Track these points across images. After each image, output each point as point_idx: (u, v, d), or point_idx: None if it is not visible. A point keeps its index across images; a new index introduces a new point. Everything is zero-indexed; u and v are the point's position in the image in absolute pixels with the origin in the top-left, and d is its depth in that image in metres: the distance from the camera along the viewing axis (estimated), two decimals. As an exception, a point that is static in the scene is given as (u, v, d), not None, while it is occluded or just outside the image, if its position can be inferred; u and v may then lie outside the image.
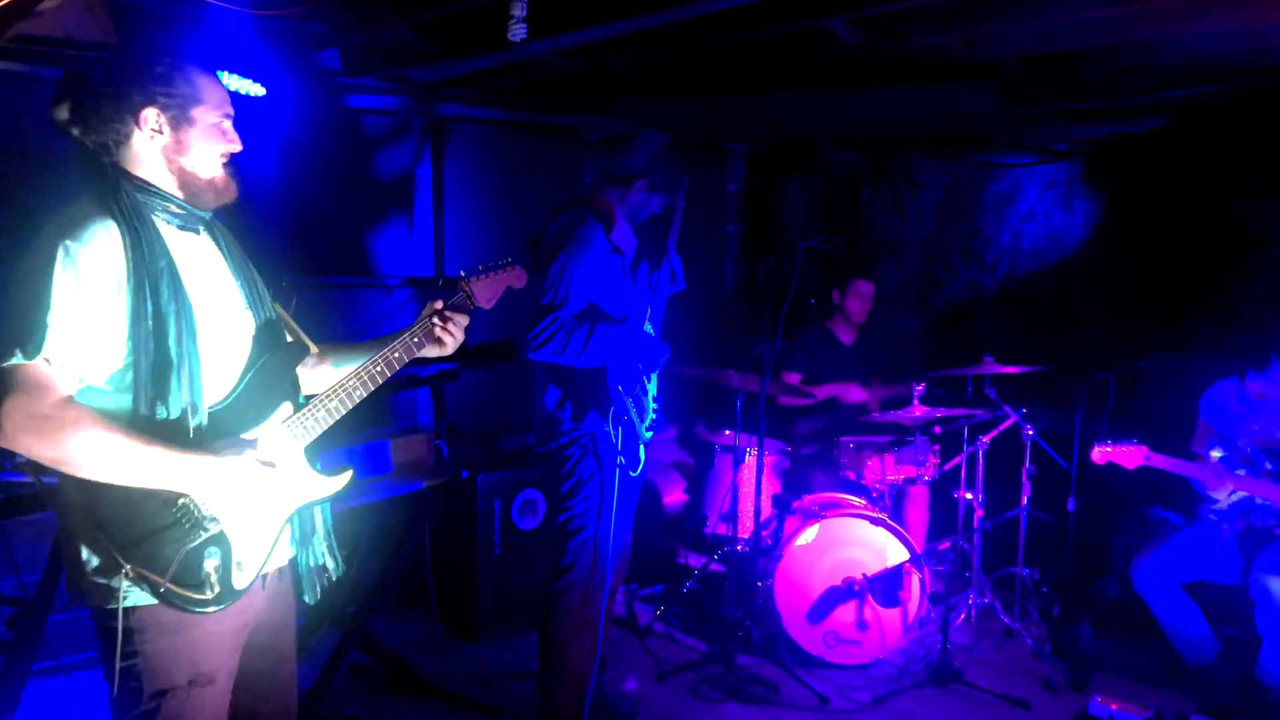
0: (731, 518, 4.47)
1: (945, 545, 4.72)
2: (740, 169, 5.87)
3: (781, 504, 4.56)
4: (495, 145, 5.05)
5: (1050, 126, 5.75)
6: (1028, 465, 4.35)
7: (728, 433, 4.62)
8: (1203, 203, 6.84)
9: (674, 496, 5.29)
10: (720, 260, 5.82)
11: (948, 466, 4.52)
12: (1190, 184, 6.38)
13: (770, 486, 4.59)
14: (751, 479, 4.49)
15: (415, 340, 2.22)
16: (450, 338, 2.26)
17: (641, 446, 3.31)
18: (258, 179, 2.37)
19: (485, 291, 2.36)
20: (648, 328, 3.36)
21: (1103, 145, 6.74)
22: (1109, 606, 4.68)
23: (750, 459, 4.50)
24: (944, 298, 7.00)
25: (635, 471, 3.29)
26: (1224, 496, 3.95)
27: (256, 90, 3.74)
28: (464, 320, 2.28)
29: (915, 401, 4.35)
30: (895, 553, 4.14)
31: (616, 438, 3.18)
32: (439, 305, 2.26)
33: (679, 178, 3.40)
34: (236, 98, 2.12)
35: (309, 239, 4.45)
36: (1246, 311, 6.15)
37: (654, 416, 3.43)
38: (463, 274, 2.35)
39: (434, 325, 2.24)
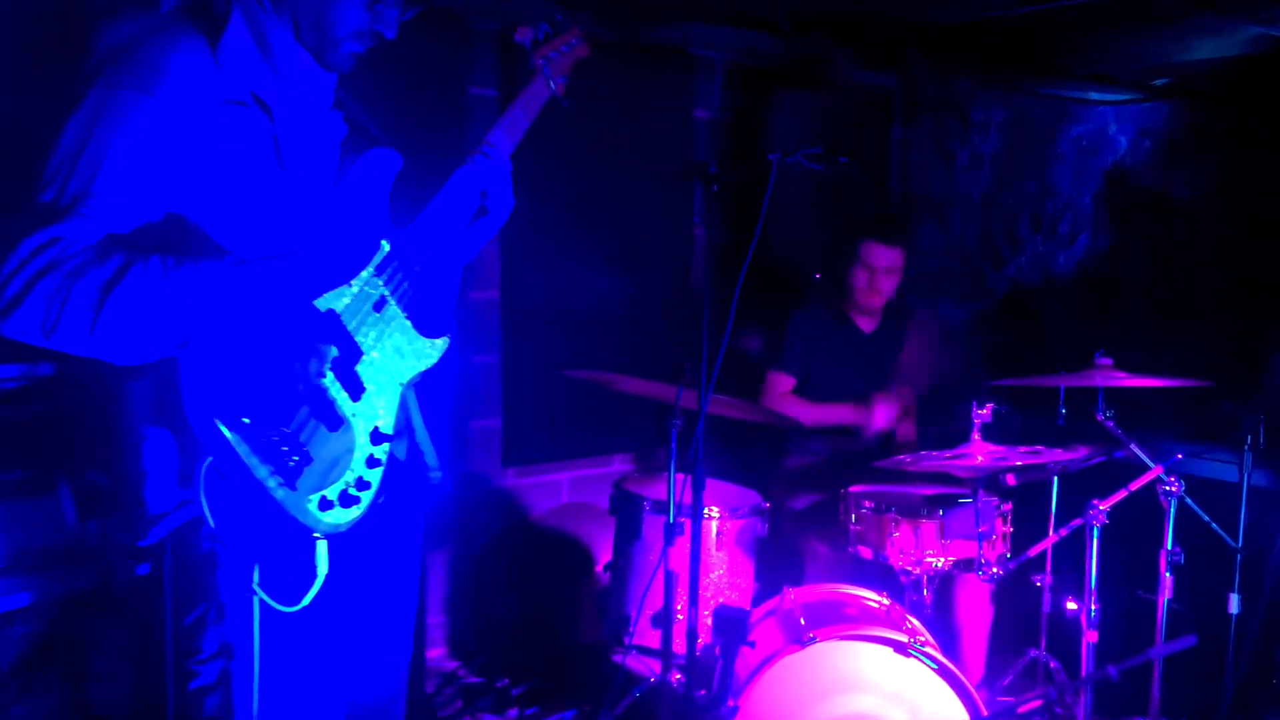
0: (666, 623, 2.67)
1: (1019, 671, 2.91)
2: (716, 88, 4.10)
3: (749, 603, 2.79)
4: None
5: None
6: (1170, 546, 2.54)
7: (662, 481, 2.83)
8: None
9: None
10: (683, 221, 4.06)
11: (1032, 552, 2.68)
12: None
13: (734, 567, 2.81)
14: (705, 553, 2.73)
15: None
16: None
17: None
18: None
19: None
20: (369, 282, 1.63)
21: (1217, 79, 4.90)
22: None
23: (710, 523, 2.74)
24: (1006, 279, 5.19)
25: (298, 604, 1.52)
26: None
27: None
28: None
29: (976, 434, 2.54)
30: (937, 704, 2.34)
31: (229, 528, 1.44)
32: None
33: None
34: None
35: None
36: None
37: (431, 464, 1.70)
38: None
39: None
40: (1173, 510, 2.49)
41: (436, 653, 3.70)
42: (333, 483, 1.55)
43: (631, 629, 2.80)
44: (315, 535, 1.53)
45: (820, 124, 4.16)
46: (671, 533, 2.52)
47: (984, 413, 2.49)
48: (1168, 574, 2.52)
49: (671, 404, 2.55)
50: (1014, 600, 3.13)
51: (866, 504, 2.80)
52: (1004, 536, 2.78)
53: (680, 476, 2.53)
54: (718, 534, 2.80)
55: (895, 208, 4.58)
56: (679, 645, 2.56)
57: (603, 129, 3.75)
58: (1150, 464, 2.46)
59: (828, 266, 3.57)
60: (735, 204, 4.18)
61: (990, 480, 2.70)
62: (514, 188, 1.90)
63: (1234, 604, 2.70)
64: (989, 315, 5.11)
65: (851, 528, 2.82)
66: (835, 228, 3.83)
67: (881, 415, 3.20)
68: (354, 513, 1.57)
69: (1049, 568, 2.90)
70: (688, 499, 2.41)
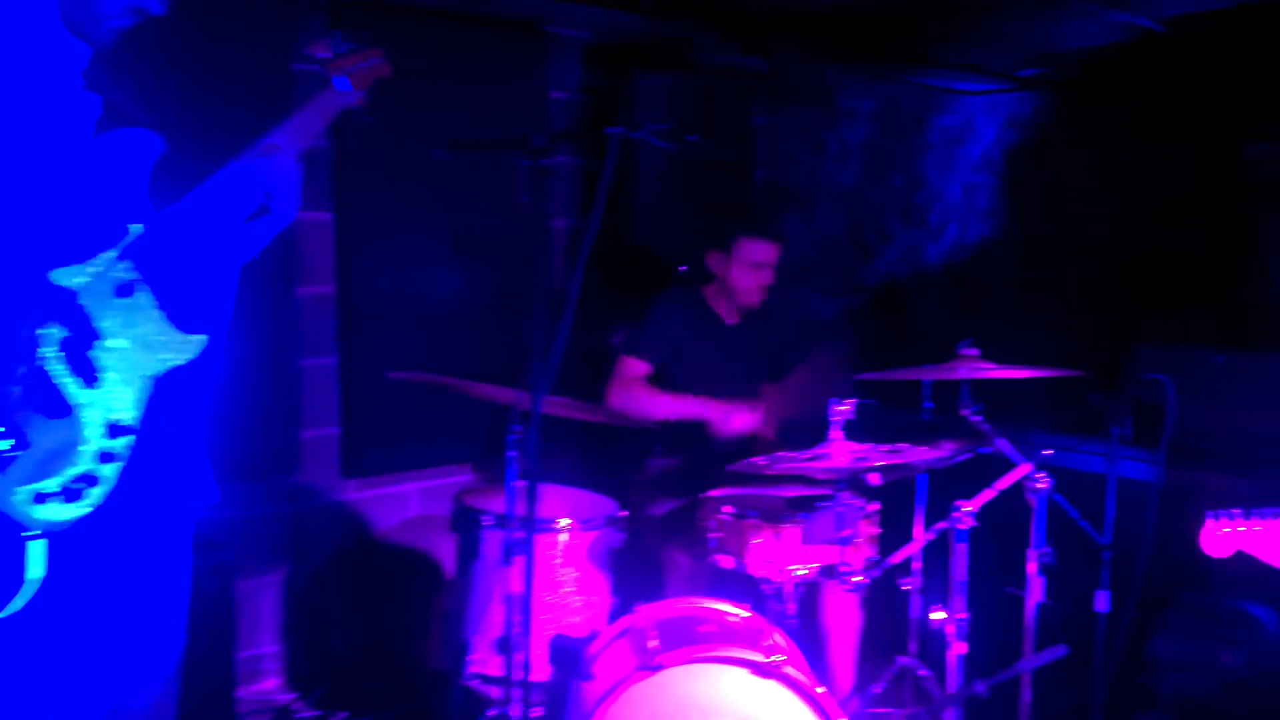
0: (507, 649, 2.41)
1: (889, 679, 2.75)
2: (575, 69, 3.86)
3: (606, 619, 2.55)
4: None
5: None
6: (1039, 545, 2.41)
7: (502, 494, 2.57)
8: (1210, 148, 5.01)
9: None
10: (540, 210, 3.79)
11: (896, 558, 2.52)
12: (1190, 124, 5.05)
13: (586, 583, 2.57)
14: (552, 569, 2.49)
15: None
16: None
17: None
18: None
19: None
20: (113, 264, 1.43)
21: (1085, 69, 4.91)
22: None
23: (558, 537, 2.50)
24: (876, 272, 5.09)
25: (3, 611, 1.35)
26: None
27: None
28: None
29: (836, 432, 2.35)
30: (800, 727, 2.14)
31: None
32: None
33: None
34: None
35: None
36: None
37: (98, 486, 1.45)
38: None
39: None
40: (1040, 506, 2.35)
41: (270, 684, 3.35)
42: (53, 475, 1.39)
43: (471, 656, 2.54)
44: (27, 534, 1.36)
45: (684, 107, 3.95)
46: (510, 550, 2.27)
47: (845, 409, 2.30)
48: (1039, 574, 2.39)
49: (510, 408, 2.30)
50: (885, 604, 2.98)
51: (726, 509, 2.59)
52: (871, 539, 2.62)
53: (522, 486, 2.28)
54: (568, 548, 2.56)
55: (761, 197, 4.42)
56: (521, 672, 2.31)
57: (452, 112, 3.46)
58: (1017, 460, 2.32)
59: (693, 259, 3.37)
60: (594, 190, 3.96)
61: (854, 481, 2.53)
62: (354, 177, 1.73)
63: (1103, 601, 2.59)
64: (859, 311, 5.01)
65: (710, 535, 2.61)
66: (703, 219, 3.64)
67: (740, 415, 3.00)
68: (77, 509, 1.42)
69: (918, 570, 2.74)
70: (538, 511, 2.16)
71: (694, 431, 3.05)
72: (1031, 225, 5.56)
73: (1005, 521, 2.61)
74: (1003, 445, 2.34)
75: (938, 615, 2.25)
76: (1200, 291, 5.07)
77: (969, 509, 2.18)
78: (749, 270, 3.14)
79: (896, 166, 5.07)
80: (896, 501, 2.86)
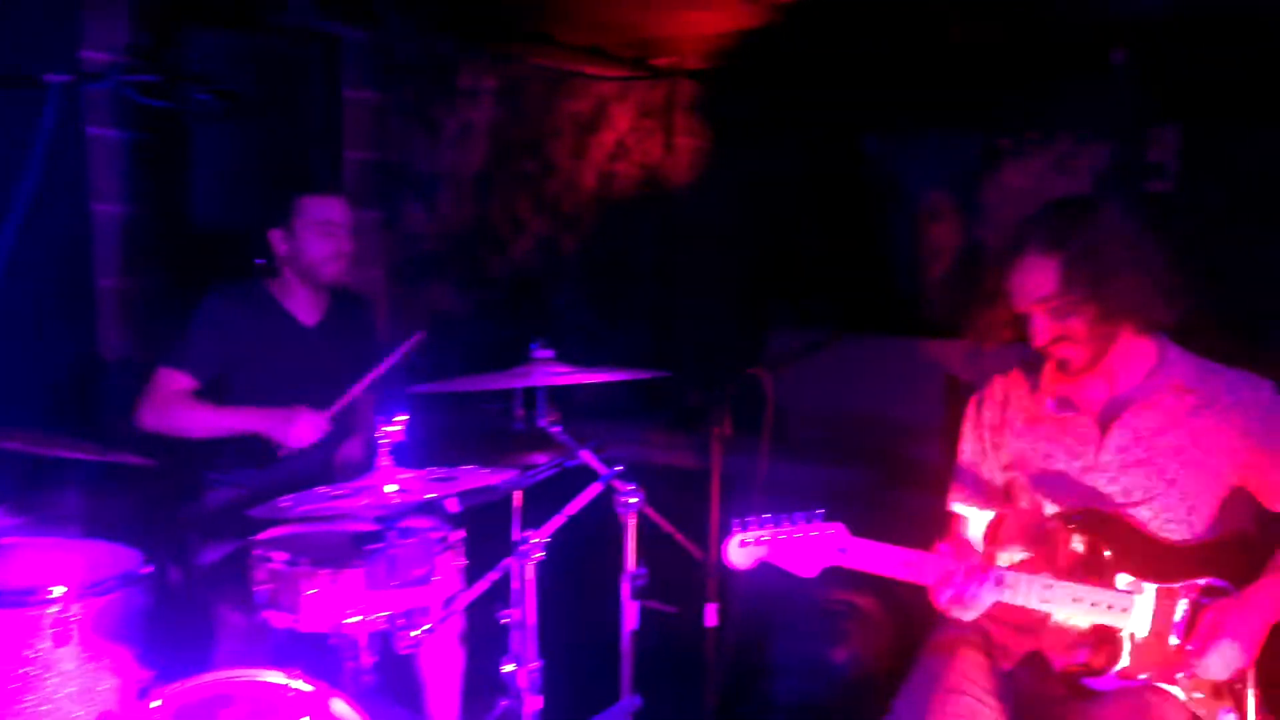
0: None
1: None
2: (122, 23, 3.19)
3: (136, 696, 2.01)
4: None
5: None
6: (633, 565, 2.16)
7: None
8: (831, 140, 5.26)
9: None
10: (79, 199, 3.10)
11: (461, 603, 2.15)
12: (813, 116, 5.12)
13: (92, 664, 2.01)
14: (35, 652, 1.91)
15: None
16: None
17: None
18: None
19: None
20: None
21: (718, 56, 4.90)
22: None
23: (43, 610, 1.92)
24: (511, 264, 4.80)
25: None
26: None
27: None
28: None
29: (380, 455, 1.95)
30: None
31: None
32: None
33: None
34: None
35: None
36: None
37: None
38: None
39: None
40: (630, 522, 2.11)
41: None
42: None
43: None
44: None
45: (248, 71, 3.39)
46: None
47: (395, 429, 1.92)
48: (629, 598, 2.14)
49: None
50: (492, 636, 2.66)
51: (277, 555, 2.13)
52: (458, 571, 2.26)
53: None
54: (61, 621, 1.99)
55: (317, 165, 3.85)
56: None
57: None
58: (602, 472, 2.06)
59: (266, 249, 2.85)
60: (150, 166, 3.32)
61: (432, 508, 2.16)
62: None
63: (711, 615, 2.41)
64: (494, 305, 4.69)
65: (258, 588, 2.14)
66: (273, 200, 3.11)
67: (305, 426, 2.53)
68: None
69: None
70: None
71: (255, 451, 2.54)
72: (667, 216, 5.53)
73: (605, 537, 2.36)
74: (586, 457, 2.07)
75: (508, 668, 1.93)
76: (826, 283, 5.24)
77: (537, 539, 1.88)
78: (319, 235, 2.65)
79: (526, 152, 4.79)
80: (499, 521, 2.54)
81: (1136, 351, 1.91)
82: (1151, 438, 1.87)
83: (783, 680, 2.84)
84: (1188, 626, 1.77)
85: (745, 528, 1.82)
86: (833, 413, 3.95)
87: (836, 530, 1.84)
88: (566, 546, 2.71)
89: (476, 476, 2.00)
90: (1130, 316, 1.85)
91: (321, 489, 1.95)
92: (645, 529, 2.40)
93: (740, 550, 1.81)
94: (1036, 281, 1.82)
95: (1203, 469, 1.85)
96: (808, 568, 1.83)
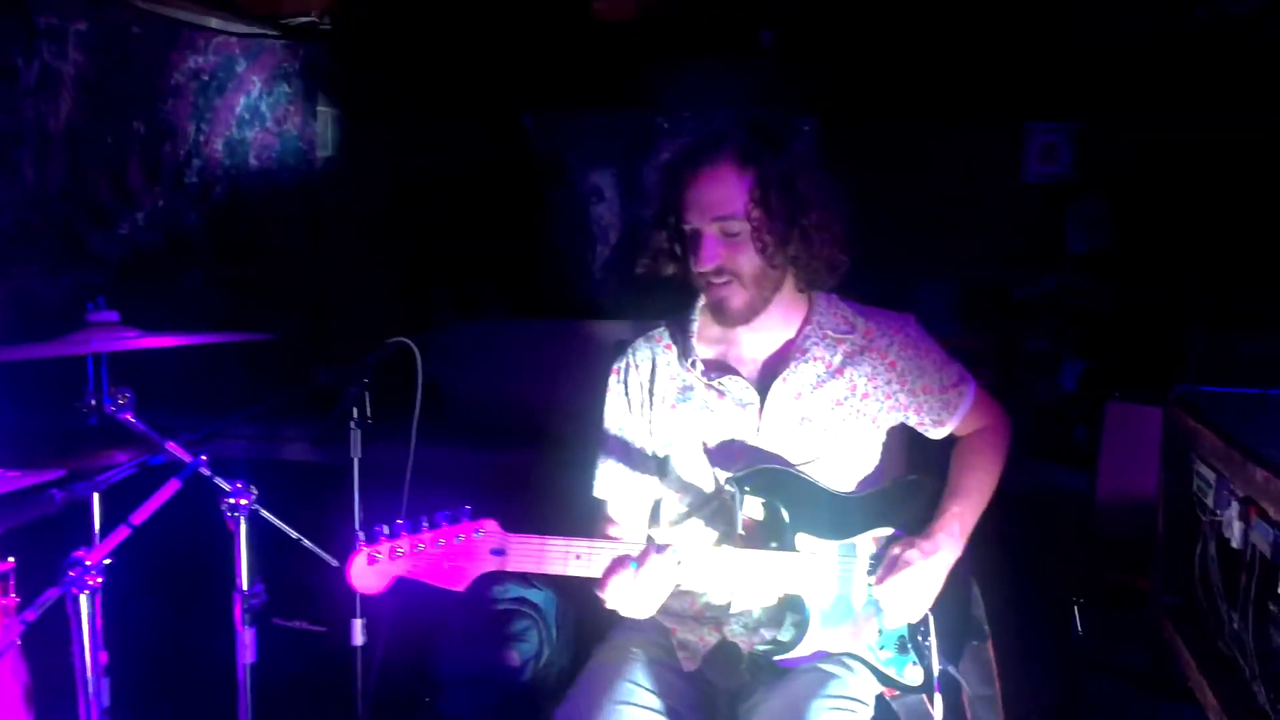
0: None
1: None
2: None
3: None
4: None
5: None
6: (245, 583, 1.74)
7: None
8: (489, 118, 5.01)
9: None
10: None
11: (17, 631, 1.64)
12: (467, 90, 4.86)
13: None
14: None
15: None
16: None
17: None
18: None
19: None
20: None
21: (353, 19, 4.48)
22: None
23: None
24: (120, 240, 4.07)
25: None
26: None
27: None
28: None
29: None
30: None
31: None
32: None
33: None
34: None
35: None
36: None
37: None
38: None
39: None
40: (242, 533, 1.68)
41: None
42: None
43: None
44: None
45: None
46: None
47: None
48: (249, 625, 1.72)
49: None
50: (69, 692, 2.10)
51: None
52: (5, 612, 1.72)
53: None
54: None
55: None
56: None
57: None
58: (187, 463, 1.61)
59: None
60: None
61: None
62: None
63: (357, 633, 2.04)
64: (96, 290, 3.95)
65: None
66: None
67: None
68: None
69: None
70: None
71: None
72: (319, 196, 5.00)
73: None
74: (174, 449, 1.62)
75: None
76: (498, 265, 4.97)
77: (91, 562, 1.42)
78: None
79: (133, 109, 4.08)
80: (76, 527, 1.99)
81: (793, 308, 1.78)
82: (812, 392, 1.75)
83: (451, 694, 2.51)
84: (871, 579, 1.67)
85: (373, 540, 1.47)
86: (499, 398, 3.68)
87: (488, 529, 1.52)
88: (174, 565, 2.25)
89: (5, 481, 1.49)
90: (803, 262, 1.70)
91: None
92: (274, 537, 2.00)
93: (369, 570, 1.46)
94: (722, 195, 1.63)
95: (865, 415, 1.76)
96: (458, 579, 1.51)
